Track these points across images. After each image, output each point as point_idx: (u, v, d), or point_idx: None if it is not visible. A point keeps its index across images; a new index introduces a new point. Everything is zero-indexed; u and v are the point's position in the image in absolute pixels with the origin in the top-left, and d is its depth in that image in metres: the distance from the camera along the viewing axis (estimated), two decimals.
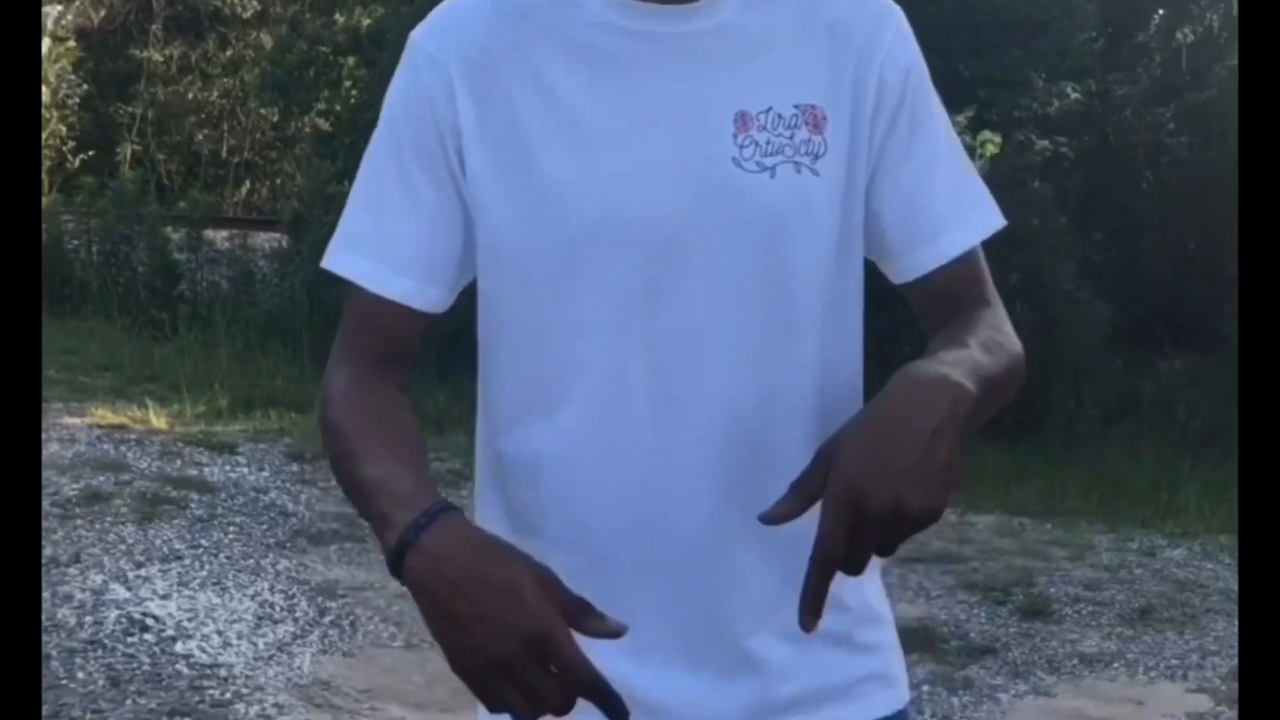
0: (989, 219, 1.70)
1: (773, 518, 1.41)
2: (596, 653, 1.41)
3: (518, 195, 1.58)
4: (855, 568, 1.40)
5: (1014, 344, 1.63)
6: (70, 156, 16.19)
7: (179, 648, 5.21)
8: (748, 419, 1.59)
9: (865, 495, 1.36)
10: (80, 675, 4.89)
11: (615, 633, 1.32)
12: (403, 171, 1.62)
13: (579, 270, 1.57)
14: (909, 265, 1.67)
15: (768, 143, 1.57)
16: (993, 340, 1.59)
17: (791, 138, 1.58)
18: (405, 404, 1.63)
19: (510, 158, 1.58)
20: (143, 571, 5.97)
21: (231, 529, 6.64)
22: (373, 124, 1.68)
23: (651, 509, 1.58)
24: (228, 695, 4.83)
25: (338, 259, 1.65)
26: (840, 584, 1.57)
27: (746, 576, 1.60)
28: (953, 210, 1.67)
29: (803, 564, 1.43)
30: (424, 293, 1.63)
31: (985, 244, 1.70)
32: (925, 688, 5.24)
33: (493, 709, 1.35)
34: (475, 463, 1.72)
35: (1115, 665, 5.62)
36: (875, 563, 1.60)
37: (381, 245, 1.63)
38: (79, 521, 6.49)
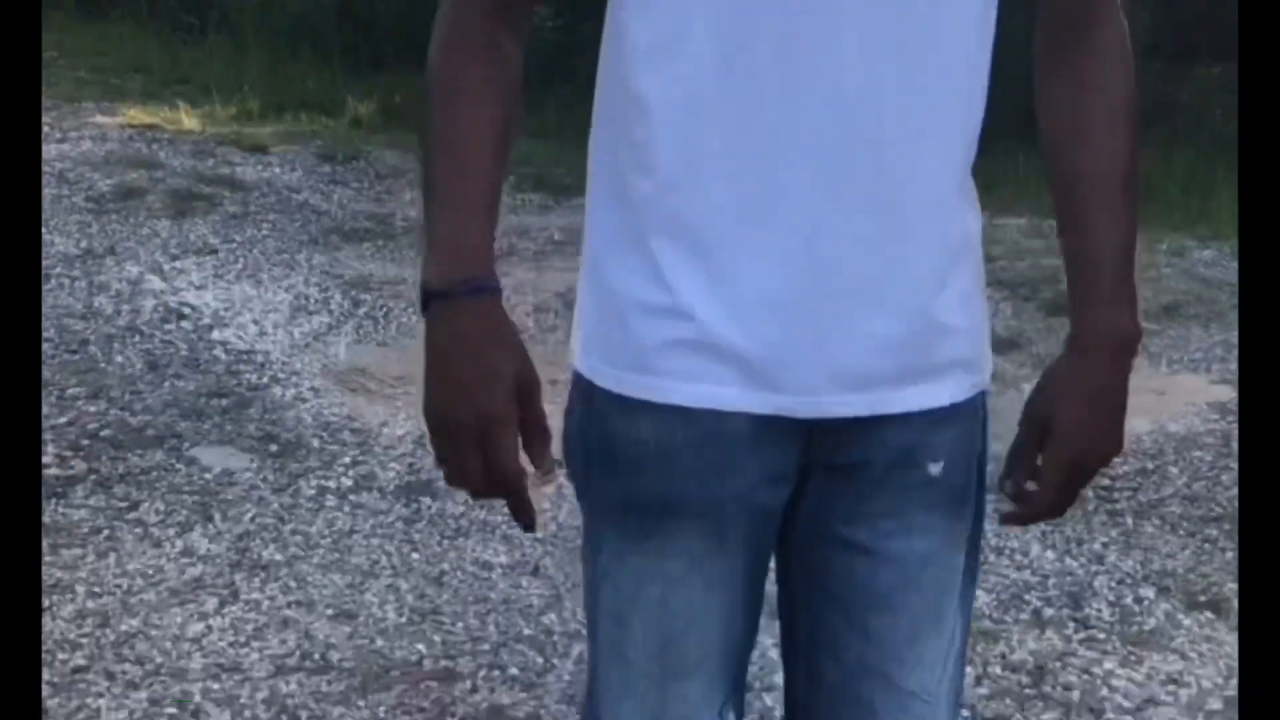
0: None
1: (1016, 497, 1.71)
2: (694, 298, 1.53)
3: None
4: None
5: (1137, 95, 1.69)
6: None
7: (215, 335, 5.30)
8: (878, 106, 1.52)
9: (1086, 469, 1.68)
10: (119, 359, 5.00)
11: (547, 476, 1.47)
12: None
13: None
14: None
15: None
16: (1135, 135, 1.69)
17: None
18: (499, 67, 1.61)
19: None
20: (178, 264, 6.05)
21: (265, 225, 6.70)
22: None
23: (762, 165, 1.53)
24: (264, 379, 4.94)
25: None
26: (947, 280, 1.62)
27: (851, 250, 1.55)
28: None
29: (913, 243, 1.56)
30: None
31: None
32: None
33: (437, 463, 1.53)
34: (594, 107, 1.67)
35: (1138, 358, 5.66)
36: (977, 258, 1.68)
37: None
38: (113, 216, 6.55)
